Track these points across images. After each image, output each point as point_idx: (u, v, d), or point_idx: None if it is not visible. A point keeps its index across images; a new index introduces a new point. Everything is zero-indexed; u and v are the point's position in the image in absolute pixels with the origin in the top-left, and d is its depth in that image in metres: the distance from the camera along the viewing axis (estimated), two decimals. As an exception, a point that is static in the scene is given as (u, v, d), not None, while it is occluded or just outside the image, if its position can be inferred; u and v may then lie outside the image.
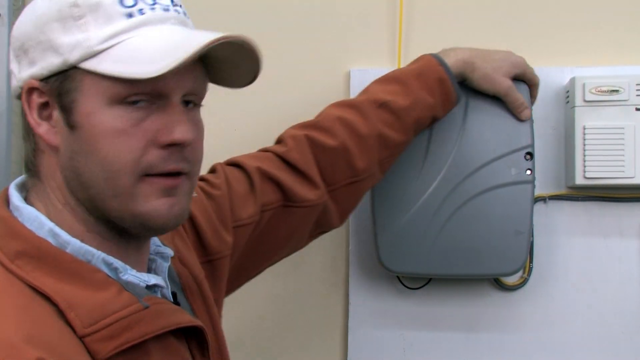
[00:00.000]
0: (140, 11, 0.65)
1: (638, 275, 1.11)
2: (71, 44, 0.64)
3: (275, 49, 1.15)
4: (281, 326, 1.22)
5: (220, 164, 0.96)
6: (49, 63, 0.64)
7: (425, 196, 1.07)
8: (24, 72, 0.66)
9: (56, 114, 0.65)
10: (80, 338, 0.61)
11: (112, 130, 0.64)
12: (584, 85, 1.07)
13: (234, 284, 0.95)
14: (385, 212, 1.08)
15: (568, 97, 1.11)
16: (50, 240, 0.65)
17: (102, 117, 0.64)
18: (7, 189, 0.70)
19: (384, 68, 1.17)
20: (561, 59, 1.14)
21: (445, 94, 1.01)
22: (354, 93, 1.17)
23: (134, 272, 0.68)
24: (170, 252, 0.76)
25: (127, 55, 0.63)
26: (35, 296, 0.62)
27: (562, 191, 1.13)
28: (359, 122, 0.98)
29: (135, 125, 0.64)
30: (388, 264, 1.09)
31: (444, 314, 1.15)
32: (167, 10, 0.67)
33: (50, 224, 0.65)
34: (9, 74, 1.21)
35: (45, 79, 0.65)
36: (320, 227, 1.01)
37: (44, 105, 0.66)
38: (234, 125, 1.22)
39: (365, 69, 1.18)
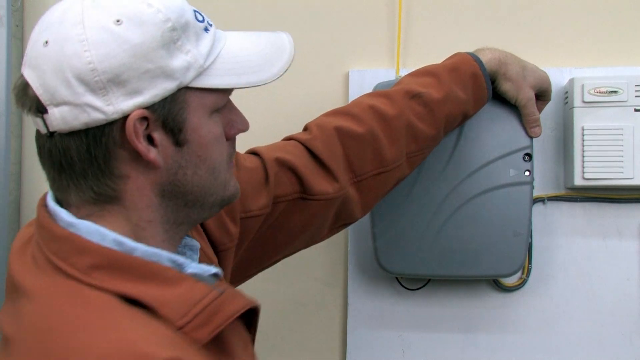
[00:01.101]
0: (209, 23, 0.71)
1: (637, 276, 1.11)
2: (183, 66, 0.66)
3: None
4: (280, 327, 1.22)
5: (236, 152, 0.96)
6: (161, 89, 0.65)
7: (424, 197, 1.07)
8: (121, 104, 0.64)
9: (158, 135, 0.66)
10: (178, 330, 0.64)
11: (215, 137, 0.71)
12: (582, 86, 1.07)
13: (243, 275, 0.94)
14: (383, 213, 1.08)
15: (567, 98, 1.11)
16: (117, 248, 0.66)
17: (207, 127, 0.69)
18: (45, 211, 0.69)
19: (383, 69, 1.18)
20: (560, 59, 1.14)
21: (478, 91, 1.01)
22: (352, 94, 1.17)
23: (194, 264, 0.71)
24: (197, 244, 0.79)
25: (233, 66, 0.70)
26: (123, 302, 0.64)
27: (561, 192, 1.13)
28: (389, 111, 0.97)
29: (221, 125, 0.72)
30: (386, 265, 1.09)
31: (442, 314, 1.15)
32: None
33: (113, 234, 0.66)
34: (8, 75, 1.23)
35: (150, 105, 0.65)
36: (341, 219, 0.99)
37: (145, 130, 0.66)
38: (232, 126, 1.22)
39: (364, 70, 1.18)
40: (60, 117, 0.64)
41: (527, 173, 1.05)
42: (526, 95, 1.03)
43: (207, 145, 0.69)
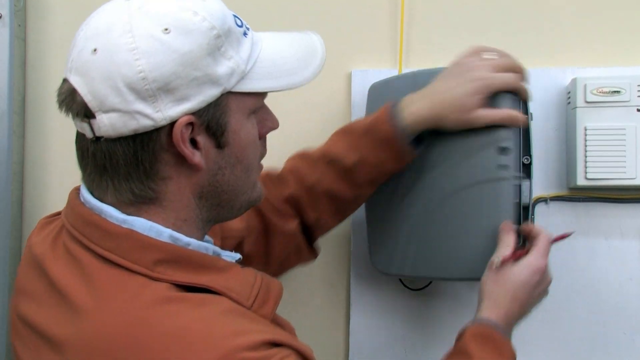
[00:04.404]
0: (247, 27, 0.73)
1: (639, 276, 1.11)
2: (227, 73, 0.68)
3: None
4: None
5: None
6: (207, 96, 0.67)
7: (407, 197, 1.03)
8: (169, 110, 0.66)
9: (202, 139, 0.69)
10: (249, 310, 0.69)
11: (252, 138, 0.74)
12: (585, 86, 1.06)
13: None
14: (374, 214, 1.07)
15: (569, 98, 1.11)
16: (173, 243, 0.69)
17: (246, 129, 0.72)
18: (86, 208, 0.70)
19: (386, 69, 1.18)
20: (562, 59, 1.14)
21: (395, 152, 0.94)
22: (355, 93, 1.17)
23: (225, 252, 0.76)
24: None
25: (271, 70, 0.72)
26: (194, 293, 0.67)
27: (564, 192, 1.13)
28: (309, 178, 0.97)
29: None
30: (378, 265, 1.07)
31: (445, 314, 1.15)
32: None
33: (168, 230, 0.69)
34: (10, 75, 1.23)
35: (196, 111, 0.67)
36: (298, 256, 1.03)
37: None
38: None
39: (366, 70, 1.18)
40: (109, 124, 0.65)
41: (507, 168, 0.95)
42: (480, 121, 0.92)
43: (245, 147, 0.72)
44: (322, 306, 1.21)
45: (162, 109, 0.65)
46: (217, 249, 0.75)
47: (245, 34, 0.72)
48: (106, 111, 0.65)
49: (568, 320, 1.12)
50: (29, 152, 1.29)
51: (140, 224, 0.68)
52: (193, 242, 0.70)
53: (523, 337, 1.13)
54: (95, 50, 0.65)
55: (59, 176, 1.29)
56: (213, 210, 0.74)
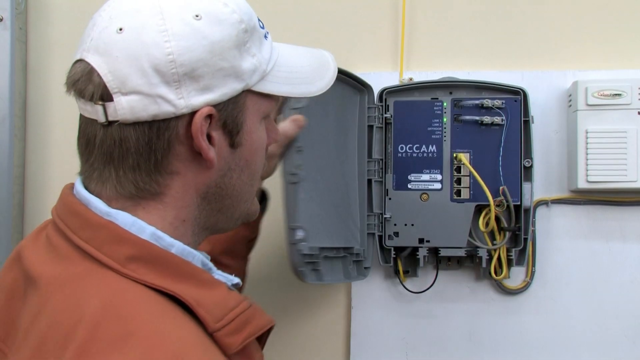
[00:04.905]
0: (267, 31, 0.72)
1: (641, 279, 1.11)
2: (250, 69, 0.67)
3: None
4: (282, 331, 1.22)
5: None
6: (230, 89, 0.66)
7: None
8: (192, 99, 0.64)
9: (217, 135, 0.66)
10: (211, 334, 0.63)
11: (262, 143, 0.73)
12: (586, 89, 1.07)
13: None
14: None
15: (570, 101, 1.11)
16: (154, 243, 0.65)
17: (258, 133, 0.71)
18: (75, 199, 0.67)
19: (386, 72, 1.18)
20: (564, 62, 1.14)
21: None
22: (356, 97, 1.17)
23: (219, 271, 0.71)
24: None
25: (288, 76, 0.72)
26: (160, 297, 0.62)
27: (565, 195, 1.13)
28: None
29: None
30: None
31: (446, 318, 1.15)
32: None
33: (151, 228, 0.65)
34: (11, 78, 1.23)
35: (216, 104, 0.65)
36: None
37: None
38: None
39: (367, 73, 1.18)
40: (127, 107, 0.62)
41: (298, 169, 0.95)
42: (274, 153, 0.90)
43: (255, 151, 0.71)
44: (323, 309, 1.21)
45: (185, 96, 0.63)
46: (211, 264, 0.70)
47: (265, 36, 0.71)
48: (126, 93, 0.62)
49: (569, 323, 1.12)
50: (31, 155, 1.29)
51: (123, 218, 0.64)
52: (177, 245, 0.66)
53: (524, 338, 1.14)
54: (121, 29, 0.63)
55: (60, 179, 1.28)
56: (212, 216, 0.71)
